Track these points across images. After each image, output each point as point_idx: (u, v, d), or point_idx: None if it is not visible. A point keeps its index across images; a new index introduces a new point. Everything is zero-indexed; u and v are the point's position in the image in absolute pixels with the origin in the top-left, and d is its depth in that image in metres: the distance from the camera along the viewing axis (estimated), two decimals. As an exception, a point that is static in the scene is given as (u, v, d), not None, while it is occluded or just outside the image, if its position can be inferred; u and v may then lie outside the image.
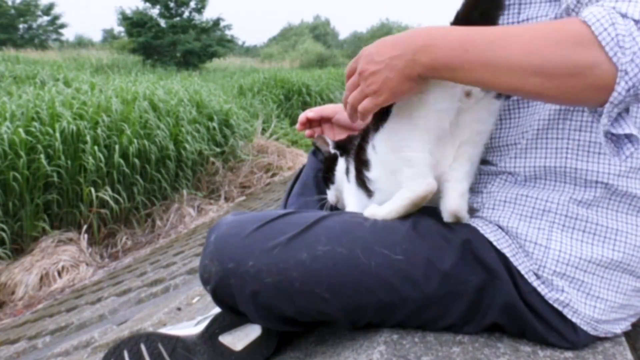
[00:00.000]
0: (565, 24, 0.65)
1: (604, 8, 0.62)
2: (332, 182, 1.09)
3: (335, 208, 1.11)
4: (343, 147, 1.09)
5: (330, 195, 1.10)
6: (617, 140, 0.66)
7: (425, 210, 0.87)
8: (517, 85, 0.66)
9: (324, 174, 1.11)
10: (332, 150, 1.10)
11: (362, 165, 0.91)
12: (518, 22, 0.81)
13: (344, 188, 1.05)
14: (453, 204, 0.82)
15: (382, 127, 0.83)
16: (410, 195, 0.81)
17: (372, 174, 0.89)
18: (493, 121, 0.82)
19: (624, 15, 0.61)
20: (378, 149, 0.85)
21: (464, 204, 0.83)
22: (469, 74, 0.69)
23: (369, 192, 0.91)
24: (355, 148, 0.97)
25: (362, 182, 0.92)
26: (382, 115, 0.83)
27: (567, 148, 0.78)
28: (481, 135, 0.83)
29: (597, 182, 0.77)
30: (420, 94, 0.77)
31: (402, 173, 0.81)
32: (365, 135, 0.91)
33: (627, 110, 0.65)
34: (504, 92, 0.74)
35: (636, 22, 0.60)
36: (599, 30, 0.61)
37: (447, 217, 0.83)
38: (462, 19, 0.76)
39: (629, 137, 0.65)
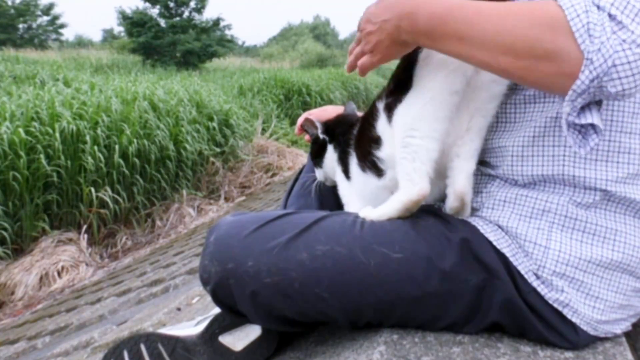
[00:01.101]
0: (540, 5, 0.65)
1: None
2: (320, 167, 1.13)
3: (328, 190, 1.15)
4: (331, 131, 1.10)
5: (319, 174, 1.15)
6: (583, 131, 0.66)
7: (425, 210, 0.87)
8: (489, 62, 0.68)
9: (313, 157, 1.14)
10: (321, 136, 1.10)
11: (369, 145, 0.91)
12: None
13: (339, 183, 1.05)
14: (461, 185, 0.83)
15: (402, 100, 0.84)
16: (404, 198, 0.82)
17: (384, 152, 0.89)
18: (507, 83, 0.82)
19: (598, 7, 0.61)
20: (394, 126, 0.85)
21: (471, 187, 0.84)
22: (447, 45, 0.71)
23: (379, 172, 0.91)
24: (357, 132, 0.97)
25: (370, 164, 0.92)
26: (402, 88, 0.84)
27: (564, 155, 0.78)
28: (494, 101, 0.83)
29: (595, 188, 0.77)
30: (431, 60, 0.80)
31: (402, 166, 0.81)
32: (372, 114, 0.92)
33: (599, 103, 0.65)
34: (477, 66, 0.75)
35: (610, 16, 0.60)
36: (572, 16, 0.61)
37: (453, 199, 0.84)
38: None
39: (593, 127, 0.65)
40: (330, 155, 1.08)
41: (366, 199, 0.95)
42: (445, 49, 0.72)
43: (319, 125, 1.11)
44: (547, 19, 0.63)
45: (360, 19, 0.81)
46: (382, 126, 0.89)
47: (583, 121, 0.64)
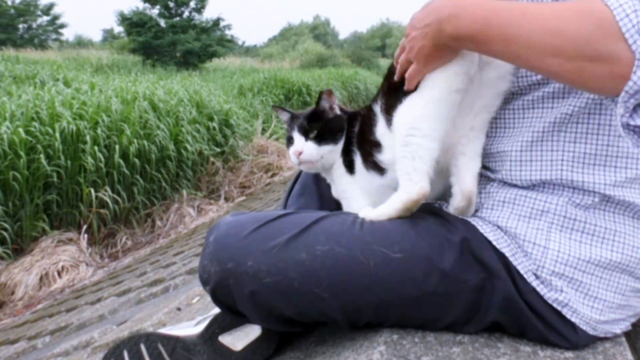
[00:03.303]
0: (587, 4, 0.63)
1: None
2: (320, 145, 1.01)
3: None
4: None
5: (317, 152, 1.03)
6: (638, 131, 0.65)
7: (425, 209, 0.87)
8: (536, 64, 0.67)
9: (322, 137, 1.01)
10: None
11: (370, 148, 0.91)
12: None
13: (339, 178, 1.02)
14: (469, 185, 0.83)
15: (403, 100, 0.84)
16: (403, 198, 0.82)
17: (384, 157, 0.89)
18: (512, 80, 0.82)
19: None
20: (395, 126, 0.85)
21: (477, 186, 0.84)
22: (491, 47, 0.70)
23: (381, 171, 0.91)
24: (358, 133, 0.97)
25: (372, 164, 0.92)
26: (401, 88, 0.83)
27: (562, 160, 0.78)
28: (499, 97, 0.83)
29: (594, 192, 0.77)
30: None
31: (402, 165, 0.81)
32: (370, 117, 0.91)
33: None
34: (523, 68, 0.74)
35: None
36: (621, 16, 0.59)
37: (460, 198, 0.83)
38: None
39: None
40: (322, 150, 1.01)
41: (372, 195, 0.95)
42: (491, 51, 0.71)
43: (290, 110, 1.07)
44: (595, 19, 0.61)
45: (407, 26, 0.80)
46: (381, 130, 0.89)
47: (638, 122, 0.64)
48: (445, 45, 0.74)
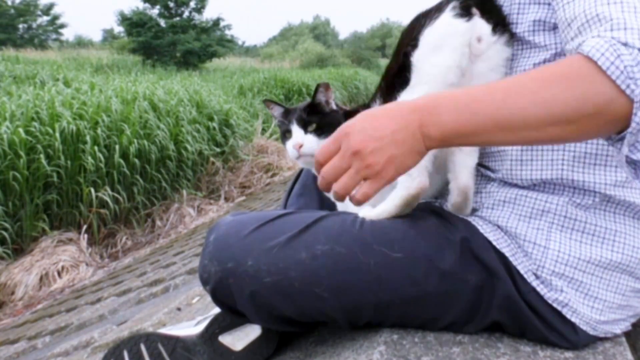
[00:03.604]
0: (569, 65, 0.62)
1: (604, 40, 0.60)
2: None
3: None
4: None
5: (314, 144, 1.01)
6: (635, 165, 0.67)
7: (425, 208, 0.87)
8: (538, 138, 0.64)
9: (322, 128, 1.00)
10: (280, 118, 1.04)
11: None
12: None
13: None
14: (464, 180, 0.83)
15: (398, 97, 0.83)
16: (403, 193, 0.82)
17: None
18: (504, 72, 0.82)
19: (625, 44, 0.60)
20: None
21: (473, 181, 0.84)
22: (484, 137, 0.65)
23: None
24: None
25: None
26: (398, 85, 0.83)
27: (563, 159, 0.78)
28: None
29: (594, 191, 0.77)
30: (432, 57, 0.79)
31: None
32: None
33: None
34: (525, 145, 0.71)
35: None
36: (607, 65, 0.59)
37: (457, 194, 0.83)
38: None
39: None
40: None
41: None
42: (483, 140, 0.66)
43: (282, 106, 1.05)
44: (583, 76, 0.60)
45: (336, 143, 0.68)
46: None
47: (637, 156, 0.65)
48: (427, 149, 0.66)
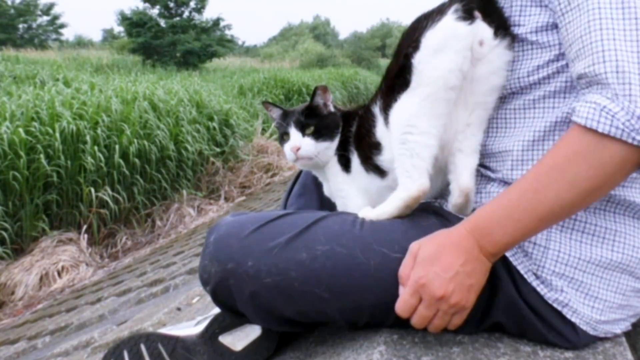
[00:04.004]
0: (574, 141, 0.69)
1: (592, 107, 0.67)
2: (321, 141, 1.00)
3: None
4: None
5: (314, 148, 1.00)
6: None
7: (425, 208, 0.87)
8: (580, 208, 0.73)
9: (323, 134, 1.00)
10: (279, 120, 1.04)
11: (370, 150, 0.91)
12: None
13: (333, 176, 1.01)
14: (466, 181, 0.83)
15: (398, 98, 0.83)
16: (403, 195, 0.82)
17: (385, 157, 0.89)
18: (505, 75, 0.82)
19: (611, 99, 0.66)
20: (391, 125, 0.85)
21: (474, 182, 0.84)
22: (534, 232, 0.73)
23: (382, 173, 0.91)
24: (356, 133, 0.96)
25: (372, 166, 0.92)
26: (398, 87, 0.83)
27: None
28: (494, 93, 0.83)
29: None
30: (432, 59, 0.79)
31: (400, 163, 0.81)
32: (368, 119, 0.91)
33: None
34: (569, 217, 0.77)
35: (630, 101, 0.65)
36: (607, 129, 0.65)
37: (458, 195, 0.83)
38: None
39: None
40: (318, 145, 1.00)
41: (371, 196, 0.95)
42: (534, 233, 0.74)
43: (281, 108, 1.06)
44: (592, 146, 0.67)
45: (415, 295, 0.73)
46: (380, 132, 0.89)
47: None
48: (491, 263, 0.74)
